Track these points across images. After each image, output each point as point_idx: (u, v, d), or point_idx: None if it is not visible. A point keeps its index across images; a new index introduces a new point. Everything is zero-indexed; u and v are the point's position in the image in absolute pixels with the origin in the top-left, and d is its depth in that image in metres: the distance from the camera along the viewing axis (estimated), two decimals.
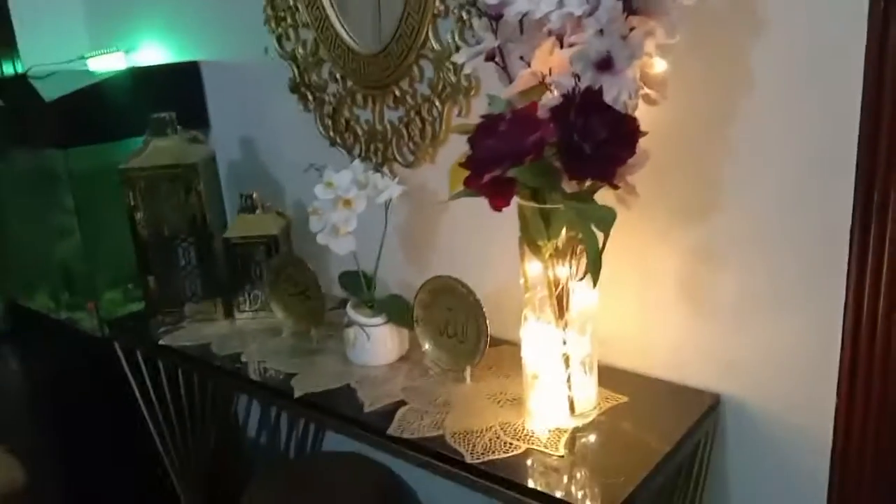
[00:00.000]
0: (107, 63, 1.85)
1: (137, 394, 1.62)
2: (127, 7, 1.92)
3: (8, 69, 1.96)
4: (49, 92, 1.75)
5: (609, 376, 1.16)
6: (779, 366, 1.08)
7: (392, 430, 1.09)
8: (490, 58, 1.01)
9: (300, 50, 1.51)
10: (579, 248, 1.00)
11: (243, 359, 1.38)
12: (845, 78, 0.92)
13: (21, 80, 1.94)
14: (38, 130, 1.70)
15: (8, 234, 1.98)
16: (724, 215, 1.07)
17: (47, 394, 1.81)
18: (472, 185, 0.94)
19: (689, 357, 1.16)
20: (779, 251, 1.04)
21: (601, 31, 0.81)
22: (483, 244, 1.34)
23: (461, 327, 1.21)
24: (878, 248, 0.95)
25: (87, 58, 1.85)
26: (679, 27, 0.87)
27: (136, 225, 1.52)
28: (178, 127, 1.53)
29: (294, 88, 1.55)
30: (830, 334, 1.01)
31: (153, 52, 1.88)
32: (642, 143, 0.89)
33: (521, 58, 0.99)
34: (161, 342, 1.48)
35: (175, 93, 1.75)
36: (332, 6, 1.41)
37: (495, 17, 0.99)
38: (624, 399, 1.13)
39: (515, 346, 1.27)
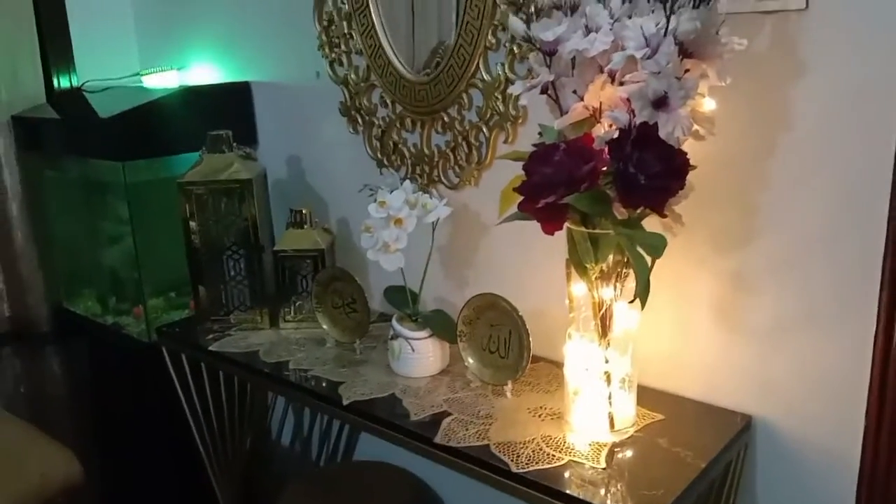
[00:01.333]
0: (160, 80, 1.94)
1: (182, 399, 1.68)
2: (179, 28, 2.02)
3: (65, 83, 2.04)
4: (103, 106, 1.84)
5: (646, 395, 1.21)
6: (810, 389, 1.13)
7: (439, 439, 1.15)
8: (544, 91, 1.08)
9: (352, 76, 1.58)
10: (623, 271, 1.06)
11: (291, 366, 1.44)
12: (881, 118, 0.99)
13: (76, 93, 2.03)
14: (94, 142, 1.79)
15: (58, 240, 2.06)
16: (761, 243, 1.13)
17: (92, 396, 1.88)
18: (527, 210, 1.00)
19: (723, 378, 1.21)
20: (812, 277, 1.09)
21: (658, 73, 0.88)
22: (520, 265, 1.41)
23: (504, 343, 1.27)
24: None
25: (142, 74, 1.93)
26: (729, 71, 0.93)
27: (190, 235, 1.60)
28: (234, 144, 1.60)
29: (344, 111, 1.63)
30: (861, 359, 1.06)
31: (204, 71, 1.97)
32: (688, 175, 0.95)
33: (574, 92, 1.05)
34: (211, 348, 1.54)
35: (226, 111, 1.84)
36: (386, 35, 1.49)
37: (549, 53, 1.06)
38: (660, 417, 1.18)
39: (552, 363, 1.34)
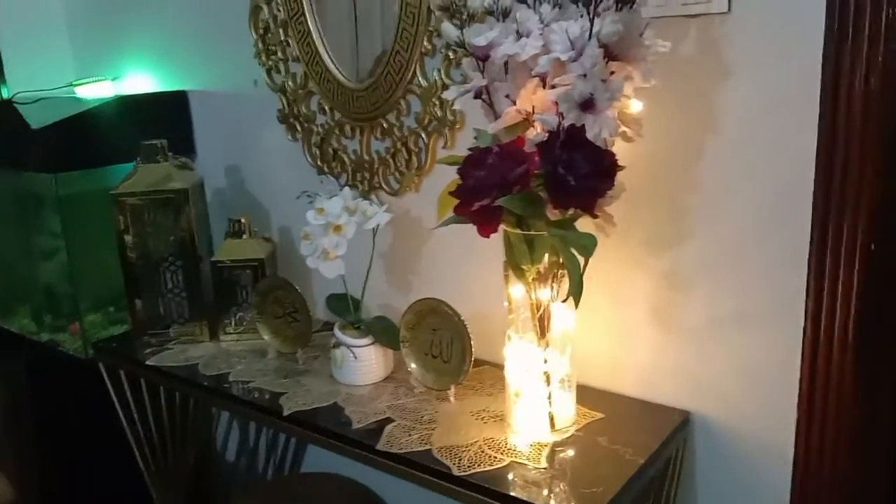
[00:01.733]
0: (95, 91, 1.89)
1: (121, 414, 1.64)
2: (113, 37, 1.98)
3: None
4: (36, 118, 1.79)
5: (586, 395, 1.23)
6: (744, 384, 1.16)
7: (381, 446, 1.15)
8: (478, 95, 1.08)
9: (290, 83, 1.57)
10: (559, 272, 1.08)
11: (231, 378, 1.42)
12: (803, 120, 1.02)
13: (7, 105, 1.97)
14: (25, 154, 1.74)
15: None
16: (693, 243, 1.15)
17: (28, 414, 1.82)
18: (462, 213, 1.01)
19: (660, 376, 1.23)
20: (743, 277, 1.12)
21: (584, 75, 0.89)
22: (462, 268, 1.41)
23: (446, 348, 1.27)
24: (832, 274, 1.04)
25: (76, 85, 1.89)
26: (655, 73, 0.95)
27: (126, 248, 1.56)
28: (169, 153, 1.57)
29: (283, 119, 1.62)
30: (791, 353, 1.10)
31: (139, 81, 1.93)
32: (619, 176, 0.97)
33: (507, 96, 1.06)
34: (148, 363, 1.51)
35: (162, 120, 1.80)
36: (323, 42, 1.49)
37: (483, 59, 1.07)
38: (600, 416, 1.20)
39: (495, 366, 1.34)
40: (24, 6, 2.05)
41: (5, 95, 2.00)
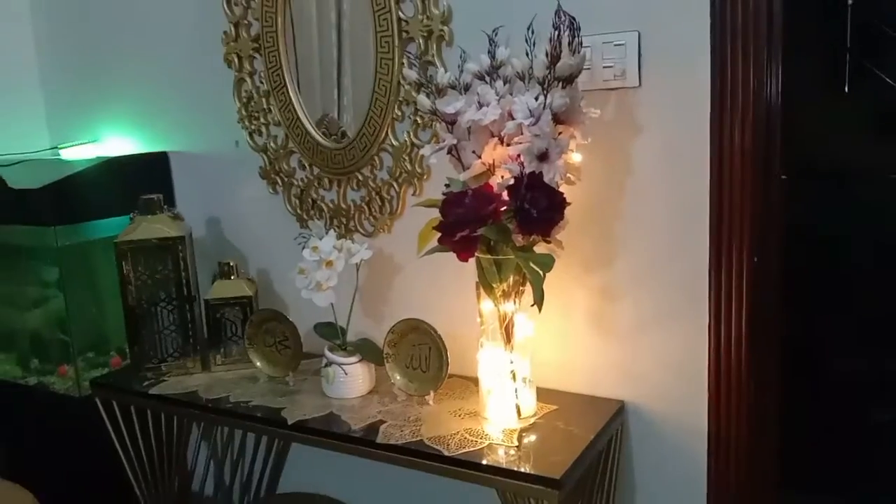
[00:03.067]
0: (78, 153, 2.08)
1: (118, 447, 1.79)
2: (90, 103, 2.18)
3: None
4: (17, 179, 1.96)
5: (543, 393, 1.49)
6: (665, 374, 1.46)
7: (380, 440, 1.38)
8: (449, 151, 1.37)
9: (271, 144, 1.82)
10: (521, 288, 1.36)
11: (231, 399, 1.62)
12: (697, 166, 1.35)
13: None
14: (18, 211, 1.90)
15: None
16: (620, 262, 1.46)
17: (19, 455, 1.93)
18: (446, 243, 1.28)
19: (601, 374, 1.52)
20: (660, 286, 1.43)
21: (539, 135, 1.19)
22: (430, 298, 1.67)
23: (424, 360, 1.52)
24: (727, 281, 1.37)
25: (61, 148, 2.07)
26: (589, 132, 1.27)
27: (127, 291, 1.74)
28: (165, 206, 1.78)
29: (264, 175, 1.86)
30: (700, 346, 1.41)
31: (119, 143, 2.13)
32: (566, 210, 1.27)
33: (474, 151, 1.36)
34: (151, 391, 1.68)
35: (144, 179, 2.00)
36: (302, 109, 1.75)
37: (451, 123, 1.36)
38: (555, 407, 1.47)
39: (462, 377, 1.60)
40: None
41: None
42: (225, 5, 1.80)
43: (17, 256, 2.00)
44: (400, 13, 1.54)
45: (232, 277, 1.79)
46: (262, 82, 1.79)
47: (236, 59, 1.82)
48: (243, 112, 1.85)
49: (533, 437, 1.37)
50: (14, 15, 2.24)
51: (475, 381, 1.47)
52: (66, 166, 1.94)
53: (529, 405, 1.43)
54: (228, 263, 1.79)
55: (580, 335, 1.53)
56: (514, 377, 1.39)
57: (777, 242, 1.38)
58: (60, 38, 2.22)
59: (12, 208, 1.91)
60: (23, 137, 2.23)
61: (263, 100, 1.80)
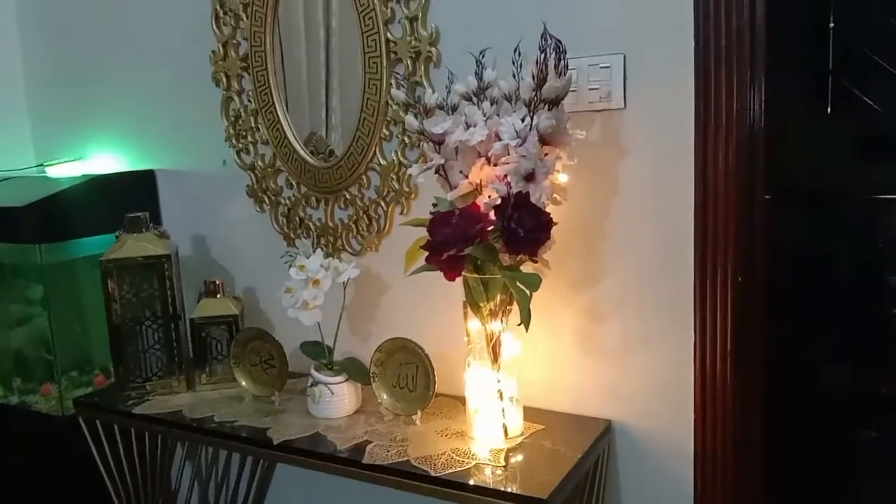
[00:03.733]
0: (64, 170, 2.07)
1: (101, 466, 1.77)
2: (77, 121, 2.17)
3: None
4: (2, 196, 1.96)
5: (530, 412, 1.49)
6: (651, 394, 1.46)
7: (366, 461, 1.37)
8: (437, 171, 1.38)
9: (259, 163, 1.82)
10: (508, 307, 1.36)
11: (216, 419, 1.60)
12: (682, 187, 1.36)
13: None
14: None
15: None
16: (606, 282, 1.47)
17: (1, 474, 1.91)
18: (433, 262, 1.28)
19: (587, 394, 1.52)
20: (646, 307, 1.44)
21: (526, 156, 1.20)
22: (417, 317, 1.67)
23: (411, 379, 1.52)
24: (712, 302, 1.37)
25: (47, 165, 2.07)
26: (575, 153, 1.28)
27: (112, 310, 1.73)
28: (151, 224, 1.78)
29: (251, 193, 1.86)
30: (686, 366, 1.41)
31: (105, 160, 2.13)
32: (553, 230, 1.28)
33: (461, 171, 1.36)
34: (135, 411, 1.67)
35: (130, 197, 1.99)
36: (290, 128, 1.75)
37: (439, 143, 1.37)
38: (542, 427, 1.47)
39: (449, 396, 1.59)
40: None
41: None
42: (214, 24, 1.81)
43: (1, 274, 1.98)
44: (388, 34, 1.55)
45: (218, 296, 1.78)
46: (250, 101, 1.80)
47: (224, 78, 1.82)
48: (231, 130, 1.85)
49: (520, 457, 1.36)
50: (0, 31, 2.24)
51: (462, 400, 1.47)
52: (51, 184, 1.93)
53: (516, 424, 1.43)
54: (214, 282, 1.78)
55: (567, 354, 1.53)
56: (501, 396, 1.38)
57: (761, 263, 1.39)
58: (47, 54, 2.22)
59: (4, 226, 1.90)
60: (8, 155, 2.22)
61: (251, 118, 1.80)
